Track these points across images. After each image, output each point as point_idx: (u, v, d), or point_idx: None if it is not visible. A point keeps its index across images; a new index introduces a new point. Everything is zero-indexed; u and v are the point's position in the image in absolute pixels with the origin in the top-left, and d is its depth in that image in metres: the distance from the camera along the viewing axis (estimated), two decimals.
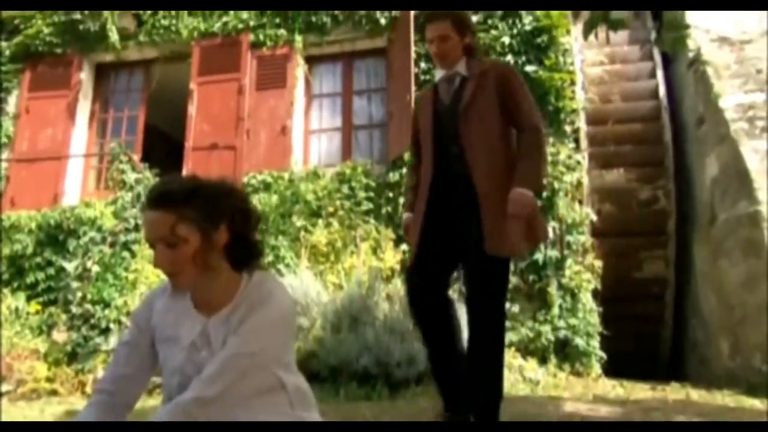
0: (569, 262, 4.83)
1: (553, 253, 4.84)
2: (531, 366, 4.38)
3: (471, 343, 1.96)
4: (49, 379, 4.50)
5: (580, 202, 5.02)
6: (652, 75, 5.35)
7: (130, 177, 5.58)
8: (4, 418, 3.18)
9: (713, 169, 4.57)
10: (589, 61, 5.59)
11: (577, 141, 5.14)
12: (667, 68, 5.37)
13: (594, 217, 4.97)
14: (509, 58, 5.32)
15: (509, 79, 2.01)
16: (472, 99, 1.96)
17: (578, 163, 5.07)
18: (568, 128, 5.14)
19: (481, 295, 1.92)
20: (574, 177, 5.02)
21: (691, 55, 4.89)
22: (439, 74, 2.11)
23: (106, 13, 6.33)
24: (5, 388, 4.35)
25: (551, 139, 5.06)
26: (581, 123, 5.16)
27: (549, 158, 4.98)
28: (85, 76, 6.61)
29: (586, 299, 4.71)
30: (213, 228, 1.02)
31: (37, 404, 4.06)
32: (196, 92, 6.20)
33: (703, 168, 4.74)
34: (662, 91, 5.20)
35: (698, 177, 4.84)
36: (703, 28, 4.89)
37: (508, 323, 4.82)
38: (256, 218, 1.13)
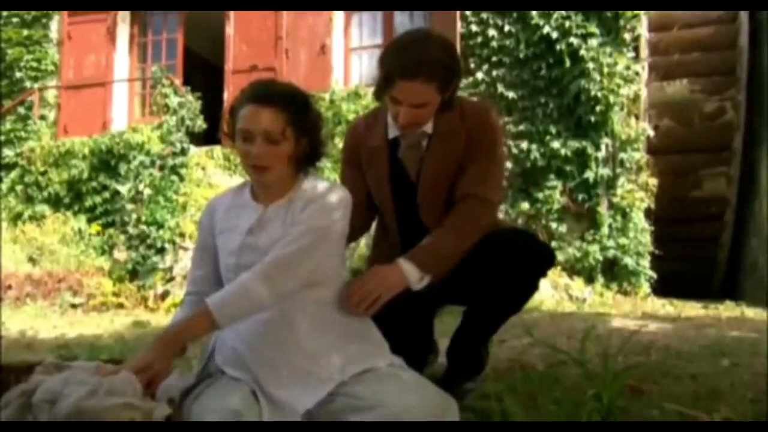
0: (622, 180, 4.63)
1: (605, 172, 4.64)
2: (577, 285, 4.36)
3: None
4: (115, 294, 4.84)
5: (636, 117, 4.73)
6: None
7: (174, 101, 5.61)
8: (81, 329, 3.45)
9: None
10: None
11: (636, 50, 4.75)
12: None
13: (651, 133, 4.69)
14: None
15: (481, 136, 1.41)
16: (434, 171, 1.43)
17: (636, 74, 4.72)
18: (627, 36, 4.74)
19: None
20: (631, 90, 4.70)
21: None
22: (393, 131, 1.45)
23: None
24: (78, 300, 4.72)
25: (608, 49, 4.69)
26: (642, 29, 4.74)
27: (605, 70, 4.65)
28: None
29: (638, 219, 4.55)
30: (301, 135, 1.12)
31: (107, 315, 4.40)
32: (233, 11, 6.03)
33: None
34: None
35: None
36: None
37: (554, 243, 4.78)
38: (326, 136, 1.24)
